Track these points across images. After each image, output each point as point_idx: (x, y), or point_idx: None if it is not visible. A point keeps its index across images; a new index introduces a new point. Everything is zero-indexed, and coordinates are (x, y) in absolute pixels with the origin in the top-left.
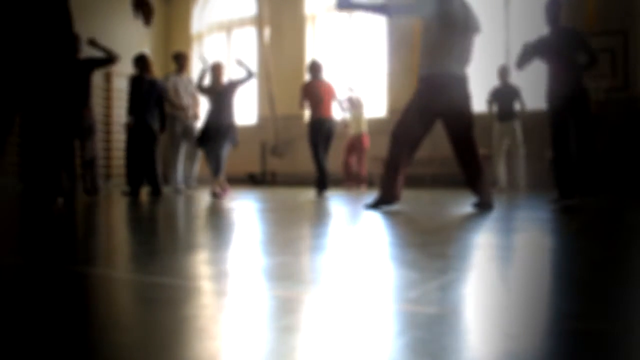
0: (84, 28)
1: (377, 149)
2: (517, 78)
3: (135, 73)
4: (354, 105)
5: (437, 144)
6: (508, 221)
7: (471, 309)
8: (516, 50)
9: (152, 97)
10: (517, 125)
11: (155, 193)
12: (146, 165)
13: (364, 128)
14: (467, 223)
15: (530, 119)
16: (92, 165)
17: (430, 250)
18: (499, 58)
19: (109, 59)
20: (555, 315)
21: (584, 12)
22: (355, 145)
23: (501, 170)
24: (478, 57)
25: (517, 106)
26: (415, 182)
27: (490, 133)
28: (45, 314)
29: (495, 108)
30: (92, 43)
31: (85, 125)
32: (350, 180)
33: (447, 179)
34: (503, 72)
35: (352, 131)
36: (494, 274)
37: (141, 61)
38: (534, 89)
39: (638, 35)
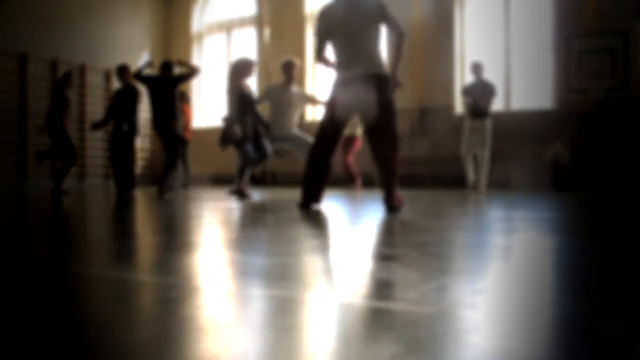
0: (85, 29)
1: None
2: (517, 77)
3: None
4: None
5: (437, 144)
6: (507, 221)
7: (470, 309)
8: (516, 50)
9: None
10: (489, 125)
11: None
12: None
13: (359, 131)
14: (466, 223)
15: (529, 119)
16: (173, 170)
17: (429, 250)
18: (499, 58)
19: (191, 73)
20: (555, 315)
21: (584, 11)
22: (347, 146)
23: (470, 168)
24: (478, 57)
25: (492, 104)
26: (415, 182)
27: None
28: (44, 314)
29: (469, 104)
30: (180, 63)
31: (173, 135)
32: (352, 180)
33: (447, 179)
34: (477, 68)
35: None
36: (493, 274)
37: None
38: (532, 89)
39: (638, 35)
